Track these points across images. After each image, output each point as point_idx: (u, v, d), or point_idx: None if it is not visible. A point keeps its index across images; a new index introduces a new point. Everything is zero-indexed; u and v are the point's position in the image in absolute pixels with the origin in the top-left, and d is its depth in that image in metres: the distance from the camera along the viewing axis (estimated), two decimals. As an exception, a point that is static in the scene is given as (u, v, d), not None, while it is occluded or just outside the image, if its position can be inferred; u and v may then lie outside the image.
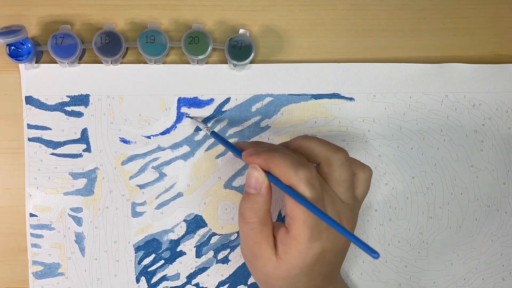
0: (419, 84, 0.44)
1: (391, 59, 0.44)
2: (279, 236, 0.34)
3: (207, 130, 0.40)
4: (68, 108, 0.42)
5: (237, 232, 0.44)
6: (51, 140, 0.42)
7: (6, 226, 0.43)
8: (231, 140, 0.43)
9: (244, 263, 0.44)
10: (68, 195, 0.42)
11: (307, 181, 0.32)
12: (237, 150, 0.36)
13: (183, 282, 0.44)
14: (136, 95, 0.42)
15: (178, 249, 0.44)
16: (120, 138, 0.43)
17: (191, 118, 0.43)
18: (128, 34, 0.43)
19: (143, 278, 0.43)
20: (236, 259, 0.44)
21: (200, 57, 0.41)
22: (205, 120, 0.43)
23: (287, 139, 0.44)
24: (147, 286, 0.43)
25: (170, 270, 0.44)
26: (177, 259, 0.44)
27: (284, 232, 0.34)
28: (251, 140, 0.43)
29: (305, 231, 0.33)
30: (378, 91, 0.44)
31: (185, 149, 0.43)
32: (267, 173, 0.34)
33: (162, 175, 0.43)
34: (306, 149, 0.36)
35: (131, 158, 0.43)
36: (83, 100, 0.42)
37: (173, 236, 0.43)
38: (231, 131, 0.43)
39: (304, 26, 0.44)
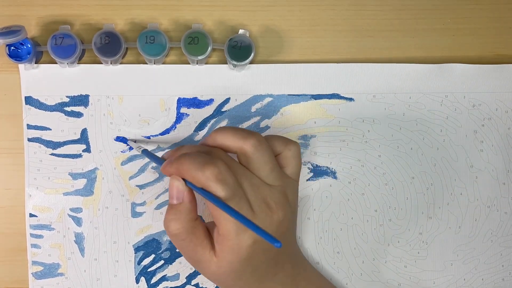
0: (419, 84, 0.44)
1: (391, 59, 0.44)
2: (214, 237, 0.35)
3: (138, 149, 0.40)
4: (68, 109, 0.42)
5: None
6: (51, 141, 0.42)
7: (6, 226, 0.43)
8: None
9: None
10: (68, 195, 0.43)
11: (216, 178, 0.32)
12: (159, 160, 0.37)
13: (183, 282, 0.44)
14: (135, 96, 0.42)
15: (178, 250, 0.43)
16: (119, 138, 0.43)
17: (128, 140, 0.43)
18: (128, 34, 0.43)
19: (142, 279, 0.43)
20: (236, 259, 0.44)
21: (199, 57, 0.41)
22: (205, 120, 0.43)
23: (286, 139, 0.44)
24: (146, 286, 0.43)
25: (170, 271, 0.44)
26: (177, 260, 0.44)
27: (216, 231, 0.35)
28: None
29: (230, 226, 0.33)
30: (378, 92, 0.44)
31: (185, 149, 0.43)
32: (186, 180, 0.34)
33: (162, 176, 0.43)
34: (220, 143, 0.36)
35: (131, 159, 0.43)
36: (82, 100, 0.42)
37: (172, 236, 0.43)
38: (231, 131, 0.43)
39: (304, 26, 0.44)
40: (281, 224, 0.35)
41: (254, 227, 0.30)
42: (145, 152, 0.40)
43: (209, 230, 0.36)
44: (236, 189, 0.33)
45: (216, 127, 0.36)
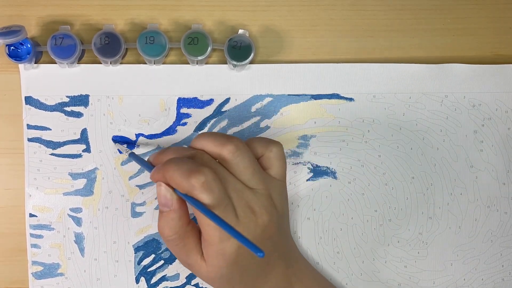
0: (419, 84, 0.44)
1: (391, 59, 0.44)
2: (202, 242, 0.35)
3: (126, 152, 0.41)
4: (68, 109, 0.42)
5: (237, 233, 0.44)
6: (51, 141, 0.42)
7: (6, 227, 0.43)
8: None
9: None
10: (68, 195, 0.43)
11: (201, 186, 0.32)
12: (148, 166, 0.37)
13: (183, 282, 0.44)
14: (135, 96, 0.42)
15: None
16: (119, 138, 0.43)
17: (115, 142, 0.42)
18: (128, 35, 0.43)
19: (142, 279, 0.43)
20: (236, 259, 0.44)
21: (199, 57, 0.41)
22: (205, 120, 0.43)
23: (287, 139, 0.44)
24: (146, 286, 0.43)
25: (169, 271, 0.44)
26: (176, 260, 0.44)
27: (202, 237, 0.35)
28: None
29: (213, 233, 0.33)
30: (378, 92, 0.44)
31: (185, 149, 0.43)
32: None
33: (161, 176, 0.43)
34: (202, 149, 0.35)
35: (131, 159, 0.43)
36: (82, 100, 0.42)
37: (172, 236, 0.43)
38: (231, 131, 0.43)
39: (303, 26, 0.44)
40: (266, 228, 0.35)
41: (237, 235, 0.30)
42: (132, 156, 0.40)
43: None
44: (222, 196, 0.32)
45: (198, 133, 0.36)
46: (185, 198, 0.33)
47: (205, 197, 0.32)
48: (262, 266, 0.36)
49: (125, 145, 0.42)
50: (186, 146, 0.36)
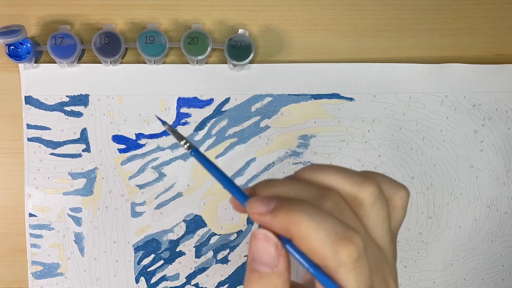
0: (419, 84, 0.44)
1: (391, 59, 0.44)
2: None
3: (184, 146, 0.27)
4: (68, 108, 0.42)
5: (237, 233, 0.44)
6: (51, 140, 0.42)
7: (5, 226, 0.43)
8: (231, 140, 0.43)
9: (243, 264, 0.44)
10: (68, 195, 0.42)
11: (353, 264, 0.22)
12: (238, 192, 0.25)
13: (183, 282, 0.44)
14: (135, 95, 0.42)
15: (177, 249, 0.43)
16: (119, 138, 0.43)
17: (173, 131, 0.29)
18: (128, 35, 0.43)
19: (142, 278, 0.43)
20: (236, 259, 0.44)
21: (199, 57, 0.41)
22: (205, 120, 0.43)
23: (286, 139, 0.44)
24: (146, 286, 0.43)
25: (169, 270, 0.44)
26: (176, 259, 0.44)
27: None
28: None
29: None
30: (378, 91, 0.44)
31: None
32: (284, 239, 0.24)
33: (161, 175, 0.43)
34: (328, 185, 0.25)
35: (131, 158, 0.43)
36: (82, 100, 0.42)
37: (172, 236, 0.43)
38: (231, 131, 0.43)
39: (303, 26, 0.44)
40: None
41: None
42: (196, 154, 0.27)
43: None
44: (368, 277, 0.23)
45: (310, 165, 0.26)
46: (314, 274, 0.23)
47: (351, 282, 0.22)
48: None
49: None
50: (307, 183, 0.25)
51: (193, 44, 0.41)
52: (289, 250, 0.23)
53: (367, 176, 0.25)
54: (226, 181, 0.25)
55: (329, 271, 0.22)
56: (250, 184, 0.44)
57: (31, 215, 0.42)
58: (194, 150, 0.26)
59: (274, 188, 0.25)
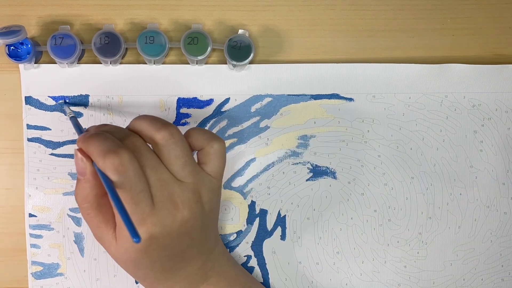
0: (419, 84, 0.44)
1: (391, 59, 0.44)
2: (116, 221, 0.35)
3: (69, 115, 0.39)
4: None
5: (236, 233, 0.44)
6: (51, 141, 0.42)
7: (5, 226, 0.43)
8: (231, 140, 0.43)
9: (243, 264, 0.44)
10: (68, 195, 0.43)
11: (114, 168, 0.31)
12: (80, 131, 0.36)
13: (183, 282, 0.44)
14: (135, 96, 0.42)
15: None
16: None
17: (65, 104, 0.42)
18: (128, 35, 0.43)
19: (142, 278, 0.43)
20: (236, 259, 0.44)
21: (199, 57, 0.41)
22: (205, 120, 0.43)
23: (286, 139, 0.44)
24: (146, 286, 0.43)
25: (169, 270, 0.44)
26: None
27: (117, 218, 0.34)
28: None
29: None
30: (378, 92, 0.44)
31: (185, 149, 0.43)
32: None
33: (161, 176, 0.43)
34: (137, 130, 0.35)
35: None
36: (82, 100, 0.42)
37: (172, 236, 0.43)
38: (231, 131, 0.43)
39: (303, 26, 0.44)
40: (186, 223, 0.34)
41: (122, 212, 0.29)
42: (73, 120, 0.38)
43: None
44: (135, 181, 0.32)
45: (136, 117, 0.35)
46: (98, 174, 0.32)
47: (115, 178, 0.31)
48: (177, 260, 0.36)
49: (70, 109, 0.41)
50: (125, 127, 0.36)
51: (193, 44, 0.41)
52: (94, 164, 0.32)
53: (165, 124, 0.34)
54: (78, 129, 0.37)
55: (104, 173, 0.31)
56: (250, 185, 0.44)
57: (31, 215, 0.42)
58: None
59: (103, 128, 0.35)
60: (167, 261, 0.35)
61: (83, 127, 0.42)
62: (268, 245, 0.44)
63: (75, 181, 0.42)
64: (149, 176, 0.33)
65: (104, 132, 0.33)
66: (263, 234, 0.44)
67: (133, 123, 0.35)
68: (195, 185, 0.34)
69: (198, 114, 0.43)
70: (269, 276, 0.44)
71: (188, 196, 0.34)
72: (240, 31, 0.42)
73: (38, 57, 0.42)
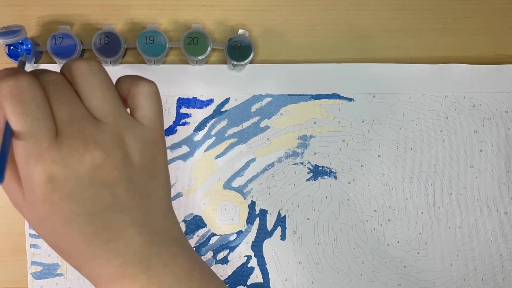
0: (419, 84, 0.44)
1: (391, 59, 0.44)
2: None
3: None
4: (68, 108, 0.42)
5: (236, 233, 0.44)
6: (51, 140, 0.42)
7: (5, 226, 0.43)
8: (231, 141, 0.43)
9: (243, 264, 0.44)
10: (68, 195, 0.42)
11: (11, 94, 0.26)
12: None
13: (183, 282, 0.44)
14: (135, 96, 0.42)
15: None
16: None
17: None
18: (128, 35, 0.43)
19: (142, 278, 0.43)
20: (236, 259, 0.44)
21: (199, 57, 0.41)
22: (205, 120, 0.43)
23: (286, 139, 0.44)
24: (146, 286, 0.43)
25: (169, 270, 0.44)
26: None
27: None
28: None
29: (18, 150, 0.27)
30: (378, 92, 0.44)
31: (185, 149, 0.43)
32: None
33: (161, 176, 0.43)
34: (61, 69, 0.30)
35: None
36: (82, 100, 0.42)
37: (172, 236, 0.43)
38: (231, 131, 0.43)
39: (303, 26, 0.44)
40: (99, 168, 0.27)
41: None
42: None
43: None
44: (31, 109, 0.26)
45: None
46: None
47: (7, 104, 0.26)
48: (99, 226, 0.28)
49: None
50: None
51: (193, 44, 0.41)
52: None
53: (85, 58, 0.29)
54: None
55: None
56: (250, 185, 0.44)
57: (31, 215, 0.42)
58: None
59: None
60: (86, 223, 0.28)
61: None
62: (268, 245, 0.44)
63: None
64: (58, 110, 0.27)
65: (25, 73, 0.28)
66: (263, 234, 0.44)
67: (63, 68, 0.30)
68: (117, 127, 0.28)
69: (198, 114, 0.43)
70: (269, 276, 0.44)
71: (104, 137, 0.28)
72: (240, 31, 0.42)
73: (38, 57, 0.42)
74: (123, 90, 0.30)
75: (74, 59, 0.29)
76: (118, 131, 0.28)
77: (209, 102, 0.43)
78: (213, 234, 0.44)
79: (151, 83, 0.31)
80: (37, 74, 0.28)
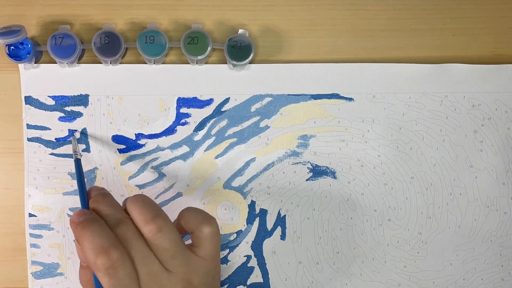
0: (419, 84, 0.44)
1: (391, 59, 0.44)
2: None
3: (74, 154, 0.39)
4: (68, 108, 0.42)
5: (236, 233, 0.44)
6: (51, 140, 0.42)
7: (5, 226, 0.43)
8: (231, 140, 0.43)
9: (243, 264, 0.44)
10: (67, 195, 0.43)
11: (105, 270, 0.31)
12: (84, 199, 0.35)
13: (183, 282, 0.44)
14: (135, 95, 0.43)
15: None
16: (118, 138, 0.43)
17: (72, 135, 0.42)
18: (128, 34, 0.43)
19: (142, 278, 0.43)
20: (235, 259, 0.44)
21: (199, 57, 0.41)
22: (205, 120, 0.43)
23: (286, 139, 0.44)
24: (146, 286, 0.43)
25: (169, 270, 0.44)
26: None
27: None
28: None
29: None
30: (378, 91, 0.44)
31: (185, 149, 0.43)
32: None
33: (161, 175, 0.43)
34: (130, 214, 0.34)
35: (131, 158, 0.43)
36: (82, 100, 0.42)
37: (172, 236, 0.43)
38: (231, 131, 0.43)
39: (303, 26, 0.44)
40: None
41: None
42: (77, 163, 0.38)
43: None
44: (125, 283, 0.32)
45: (133, 195, 0.35)
46: (93, 273, 0.33)
47: (105, 281, 0.31)
48: None
49: (78, 147, 0.42)
50: (120, 203, 0.35)
51: (193, 44, 0.41)
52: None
53: (154, 216, 0.33)
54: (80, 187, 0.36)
55: (94, 272, 0.32)
56: (250, 185, 0.44)
57: (31, 215, 0.42)
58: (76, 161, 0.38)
59: (98, 203, 0.34)
60: None
61: (82, 128, 0.42)
62: (268, 245, 0.44)
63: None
64: (139, 269, 0.33)
65: (97, 220, 0.33)
66: (263, 234, 0.44)
67: (127, 204, 0.34)
68: (185, 274, 0.34)
69: (198, 114, 0.43)
70: (269, 276, 0.44)
71: (176, 286, 0.34)
72: (240, 31, 0.42)
73: (38, 57, 0.42)
74: (186, 228, 0.36)
75: (144, 216, 0.33)
76: (186, 277, 0.34)
77: (209, 102, 0.43)
78: (213, 234, 0.44)
79: (213, 223, 0.35)
80: (115, 225, 0.33)
